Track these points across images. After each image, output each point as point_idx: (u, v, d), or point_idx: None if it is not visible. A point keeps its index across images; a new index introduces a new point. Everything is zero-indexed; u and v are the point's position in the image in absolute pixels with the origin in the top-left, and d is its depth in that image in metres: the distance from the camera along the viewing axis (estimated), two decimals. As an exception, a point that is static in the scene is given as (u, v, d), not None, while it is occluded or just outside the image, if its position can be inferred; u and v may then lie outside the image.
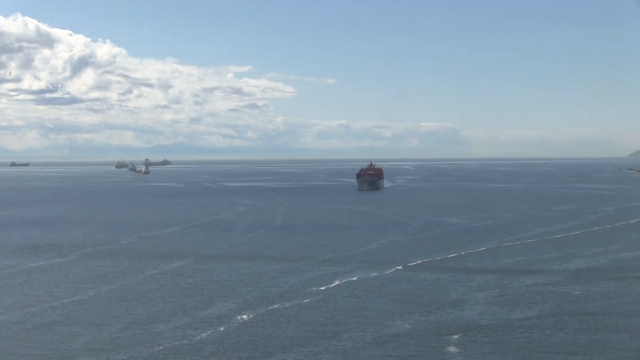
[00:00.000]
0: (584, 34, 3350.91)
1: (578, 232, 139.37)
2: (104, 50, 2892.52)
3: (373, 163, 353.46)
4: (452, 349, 58.90)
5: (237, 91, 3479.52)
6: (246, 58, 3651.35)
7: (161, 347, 59.89)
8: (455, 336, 62.34)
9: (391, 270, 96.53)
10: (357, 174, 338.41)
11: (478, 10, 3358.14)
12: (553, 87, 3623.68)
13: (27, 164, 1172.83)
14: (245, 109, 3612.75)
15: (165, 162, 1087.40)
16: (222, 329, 65.73)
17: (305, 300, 77.49)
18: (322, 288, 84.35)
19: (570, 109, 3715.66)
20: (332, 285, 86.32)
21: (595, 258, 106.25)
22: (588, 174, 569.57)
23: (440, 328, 65.26)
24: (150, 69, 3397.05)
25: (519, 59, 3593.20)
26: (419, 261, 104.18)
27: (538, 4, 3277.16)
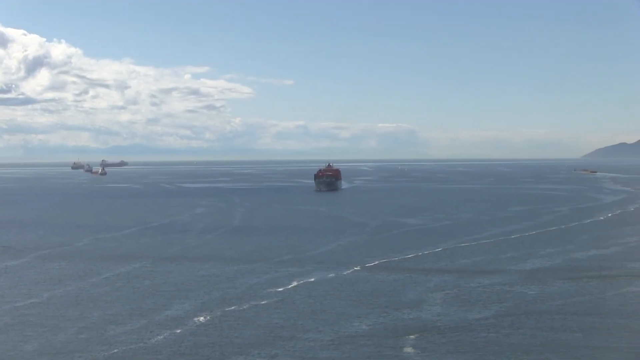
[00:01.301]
0: (538, 35, 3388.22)
1: (534, 233, 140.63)
2: (59, 50, 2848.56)
3: (331, 164, 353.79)
4: (409, 349, 58.91)
5: (195, 92, 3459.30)
6: (204, 59, 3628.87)
7: (116, 350, 59.10)
8: (412, 337, 62.38)
9: (349, 271, 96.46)
10: (315, 175, 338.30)
11: (434, 11, 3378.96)
12: (509, 89, 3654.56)
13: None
14: (202, 110, 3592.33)
15: (122, 163, 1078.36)
16: (179, 331, 65.06)
17: (263, 302, 77.08)
18: (280, 289, 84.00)
19: (526, 110, 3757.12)
20: (290, 286, 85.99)
21: (550, 258, 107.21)
22: (543, 174, 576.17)
23: (397, 329, 65.27)
24: (107, 69, 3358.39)
25: (475, 60, 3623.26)
26: (377, 262, 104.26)
27: (494, 4, 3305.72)
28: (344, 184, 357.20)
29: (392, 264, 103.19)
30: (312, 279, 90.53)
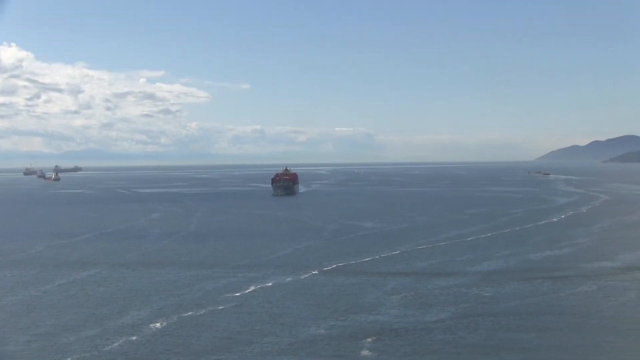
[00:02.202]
0: (492, 40, 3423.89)
1: (489, 235, 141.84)
2: (9, 54, 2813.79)
3: (288, 168, 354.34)
4: (367, 352, 59.04)
5: (150, 96, 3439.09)
6: (159, 63, 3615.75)
7: (69, 359, 58.33)
8: (370, 339, 62.53)
9: (307, 275, 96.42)
10: (272, 179, 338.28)
11: (389, 17, 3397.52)
12: (464, 93, 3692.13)
13: None
14: (158, 115, 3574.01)
15: (76, 169, 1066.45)
16: (134, 338, 64.46)
17: (220, 307, 76.73)
18: (237, 294, 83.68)
19: (481, 114, 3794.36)
20: (247, 291, 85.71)
21: (505, 260, 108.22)
22: (499, 177, 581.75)
23: (355, 332, 65.36)
24: (59, 73, 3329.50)
25: (432, 65, 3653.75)
26: (335, 265, 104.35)
27: (447, 11, 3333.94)
28: (301, 188, 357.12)
29: (349, 267, 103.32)
30: (270, 284, 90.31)
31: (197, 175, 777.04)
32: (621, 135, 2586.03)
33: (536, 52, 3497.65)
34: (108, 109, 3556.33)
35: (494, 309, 74.09)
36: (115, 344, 62.32)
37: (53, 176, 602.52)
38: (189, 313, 74.07)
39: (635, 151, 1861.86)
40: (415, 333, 64.69)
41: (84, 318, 72.61)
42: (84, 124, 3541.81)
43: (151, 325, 69.25)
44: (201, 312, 74.35)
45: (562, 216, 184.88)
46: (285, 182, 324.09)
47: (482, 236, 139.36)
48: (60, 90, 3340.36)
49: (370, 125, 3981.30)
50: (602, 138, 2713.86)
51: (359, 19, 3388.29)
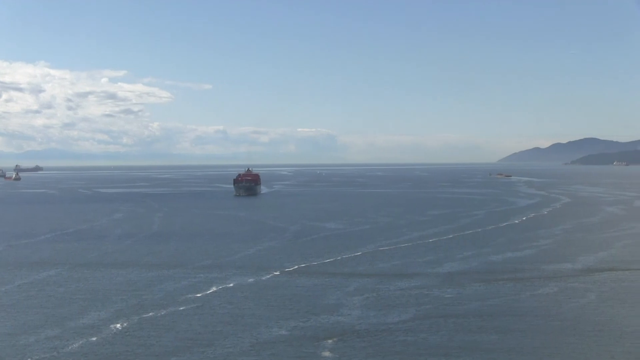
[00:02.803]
0: (454, 41, 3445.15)
1: (451, 236, 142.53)
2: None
3: (250, 169, 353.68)
4: (328, 354, 58.90)
5: (112, 96, 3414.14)
6: (121, 62, 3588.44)
7: (29, 360, 57.55)
8: (332, 341, 62.42)
9: (269, 276, 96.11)
10: (234, 179, 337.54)
11: (351, 16, 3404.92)
12: (427, 94, 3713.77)
13: None
14: (120, 114, 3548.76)
15: (37, 168, 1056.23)
16: (94, 339, 63.70)
17: (182, 308, 76.16)
18: (199, 295, 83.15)
19: (444, 115, 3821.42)
20: (209, 292, 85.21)
21: (467, 261, 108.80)
22: (460, 178, 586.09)
23: (317, 333, 65.21)
24: (20, 72, 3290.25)
25: (393, 66, 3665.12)
26: (297, 266, 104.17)
27: (410, 11, 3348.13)
28: (263, 189, 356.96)
29: (311, 268, 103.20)
30: (231, 284, 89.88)
31: (159, 176, 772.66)
32: (582, 137, 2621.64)
33: (499, 54, 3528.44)
34: (70, 108, 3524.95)
35: (455, 310, 74.36)
36: (75, 345, 61.55)
37: (14, 176, 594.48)
38: (150, 314, 73.43)
39: (596, 154, 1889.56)
40: (377, 334, 64.71)
41: (44, 319, 71.65)
42: (45, 124, 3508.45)
43: (112, 326, 68.50)
44: (162, 313, 73.75)
45: (524, 218, 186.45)
46: (247, 183, 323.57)
47: (444, 238, 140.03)
48: (21, 90, 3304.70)
49: (332, 126, 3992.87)
50: (564, 140, 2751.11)
51: (321, 18, 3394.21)
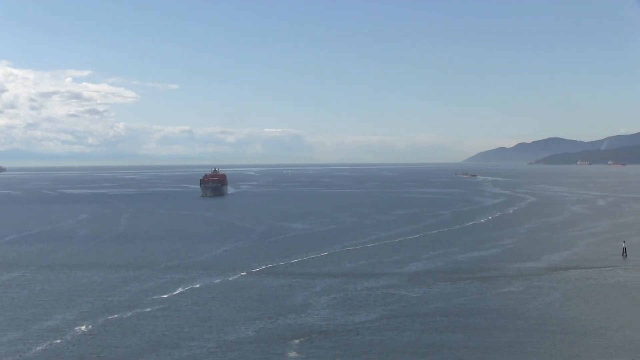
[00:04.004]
0: (421, 42, 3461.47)
1: (417, 236, 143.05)
2: None
3: (217, 169, 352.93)
4: (295, 354, 58.75)
5: (77, 96, 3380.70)
6: (86, 62, 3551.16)
7: (-8, 364, 56.82)
8: (298, 341, 62.26)
9: (235, 277, 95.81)
10: (200, 180, 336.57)
11: (318, 15, 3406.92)
12: (393, 94, 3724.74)
13: None
14: (85, 115, 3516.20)
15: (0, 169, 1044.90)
16: (58, 341, 63.00)
17: (147, 309, 75.62)
18: (165, 296, 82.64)
19: (410, 115, 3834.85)
20: (175, 293, 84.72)
21: (433, 261, 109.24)
22: (426, 178, 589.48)
23: (284, 333, 65.06)
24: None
25: (360, 66, 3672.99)
26: (263, 267, 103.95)
27: (379, 10, 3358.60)
28: (230, 189, 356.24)
29: (278, 268, 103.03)
30: (198, 285, 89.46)
31: (125, 176, 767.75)
32: (546, 137, 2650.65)
33: (464, 55, 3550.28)
34: (33, 108, 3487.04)
35: (422, 310, 74.61)
36: (39, 348, 60.81)
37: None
38: (115, 315, 72.81)
39: (560, 153, 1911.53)
40: (344, 334, 64.70)
41: (7, 322, 70.70)
42: (7, 124, 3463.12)
43: (76, 328, 67.79)
44: (128, 315, 73.16)
45: (489, 217, 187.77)
46: (214, 183, 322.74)
47: (410, 237, 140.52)
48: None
49: (299, 127, 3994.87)
50: (528, 140, 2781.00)
51: (287, 17, 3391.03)
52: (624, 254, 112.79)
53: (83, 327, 67.95)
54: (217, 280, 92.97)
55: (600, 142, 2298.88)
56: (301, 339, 62.93)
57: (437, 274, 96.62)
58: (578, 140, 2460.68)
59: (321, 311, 74.41)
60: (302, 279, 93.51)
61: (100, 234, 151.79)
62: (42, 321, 70.68)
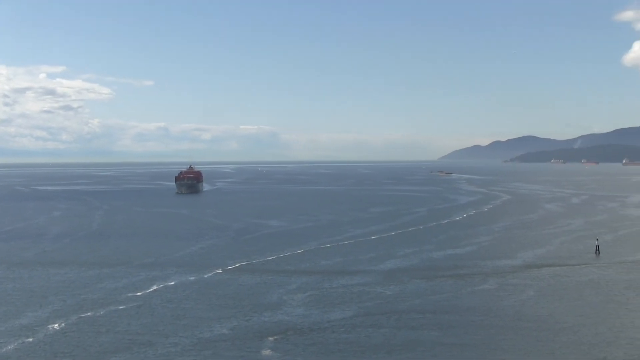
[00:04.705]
0: (394, 39, 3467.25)
1: (393, 233, 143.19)
2: None
3: (192, 166, 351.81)
4: (269, 352, 58.46)
5: (51, 92, 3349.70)
6: (60, 58, 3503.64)
7: (-37, 362, 56.09)
8: (272, 339, 61.99)
9: (210, 274, 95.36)
10: (175, 177, 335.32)
11: (292, 11, 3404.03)
12: (370, 92, 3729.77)
13: None
14: (59, 111, 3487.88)
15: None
16: (30, 340, 62.31)
17: (121, 307, 75.02)
18: (139, 294, 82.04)
19: (385, 113, 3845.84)
20: (149, 290, 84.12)
21: (408, 258, 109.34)
22: (402, 176, 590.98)
23: (259, 331, 64.76)
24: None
25: (336, 64, 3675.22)
26: (239, 264, 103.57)
27: (350, 12, 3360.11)
28: (205, 186, 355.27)
29: (254, 266, 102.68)
30: (173, 283, 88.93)
31: (99, 173, 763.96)
32: (521, 135, 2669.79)
33: (440, 53, 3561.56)
34: (6, 104, 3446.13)
35: (397, 307, 74.58)
36: (10, 347, 60.07)
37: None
38: (89, 313, 72.16)
39: (534, 151, 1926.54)
40: (319, 332, 64.53)
41: (-22, 320, 69.92)
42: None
43: (49, 326, 67.12)
44: (101, 313, 72.55)
45: (465, 215, 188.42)
46: (189, 180, 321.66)
47: (386, 235, 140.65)
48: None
49: (275, 124, 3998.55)
50: (503, 138, 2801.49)
51: (260, 14, 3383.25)
52: (597, 251, 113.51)
53: (56, 325, 67.30)
54: (192, 278, 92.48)
55: (574, 140, 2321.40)
56: (276, 337, 62.69)
57: (413, 272, 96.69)
58: (552, 138, 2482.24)
59: (296, 309, 74.19)
60: (278, 277, 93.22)
61: (74, 231, 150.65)
62: (14, 319, 69.89)
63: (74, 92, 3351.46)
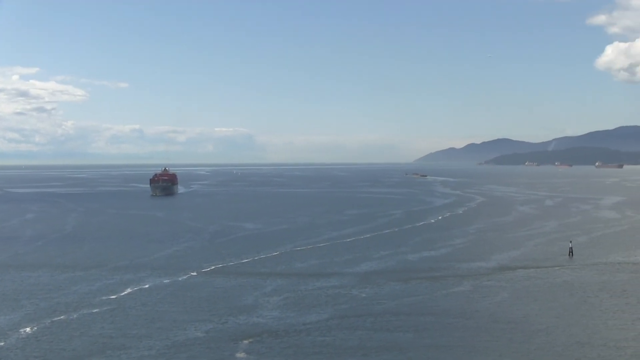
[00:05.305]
0: (370, 41, 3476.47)
1: (369, 236, 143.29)
2: None
3: (167, 168, 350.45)
4: (244, 355, 58.23)
5: (24, 94, 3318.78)
6: (33, 59, 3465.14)
7: None
8: (247, 342, 61.75)
9: (185, 277, 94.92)
10: (150, 179, 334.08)
11: (271, 18, 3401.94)
12: (343, 94, 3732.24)
13: None
14: (32, 113, 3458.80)
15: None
16: (2, 344, 61.56)
17: (95, 310, 74.44)
18: (113, 297, 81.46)
19: (360, 115, 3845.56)
20: (123, 293, 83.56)
21: (384, 260, 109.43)
22: (378, 178, 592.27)
23: (234, 334, 64.50)
24: None
25: (312, 67, 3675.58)
26: (214, 267, 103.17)
27: (326, 14, 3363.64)
28: (180, 189, 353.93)
29: (229, 268, 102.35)
30: (147, 286, 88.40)
31: (73, 175, 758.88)
32: (495, 138, 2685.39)
33: (415, 55, 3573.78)
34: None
35: (373, 310, 74.58)
36: (-18, 351, 59.47)
37: None
38: (62, 317, 71.50)
39: (508, 154, 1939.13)
40: (295, 334, 64.36)
41: (-51, 324, 69.10)
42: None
43: (21, 330, 66.39)
44: (74, 316, 71.92)
45: (440, 217, 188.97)
46: (164, 183, 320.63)
47: (362, 237, 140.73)
48: None
49: (250, 126, 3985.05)
50: (478, 141, 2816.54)
51: (236, 19, 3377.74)
52: (571, 253, 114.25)
53: (28, 329, 66.62)
54: (166, 281, 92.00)
55: (548, 143, 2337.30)
56: (251, 340, 62.47)
57: (388, 274, 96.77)
58: (526, 141, 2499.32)
59: (272, 311, 73.99)
60: (253, 279, 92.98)
61: (47, 234, 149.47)
62: (-14, 323, 69.15)
63: (48, 93, 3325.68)
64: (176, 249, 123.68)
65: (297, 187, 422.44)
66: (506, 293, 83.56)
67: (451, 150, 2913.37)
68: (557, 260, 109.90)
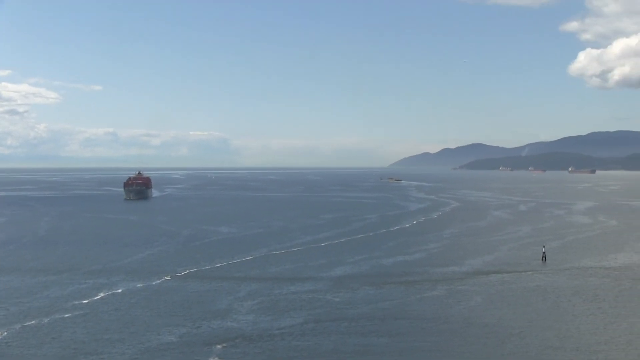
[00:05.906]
0: (347, 45, 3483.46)
1: (343, 240, 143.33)
2: None
3: (141, 172, 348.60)
4: (216, 359, 57.97)
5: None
6: (5, 61, 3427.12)
7: None
8: (221, 346, 61.47)
9: (159, 281, 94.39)
10: (124, 183, 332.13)
11: (246, 20, 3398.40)
12: (320, 99, 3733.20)
13: None
14: (4, 115, 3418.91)
15: None
16: (-27, 349, 60.97)
17: (67, 315, 73.76)
18: (85, 301, 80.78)
19: (335, 119, 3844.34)
20: (96, 298, 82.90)
21: (358, 265, 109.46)
22: (352, 182, 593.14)
23: (208, 339, 64.17)
24: None
25: (288, 71, 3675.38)
26: (188, 271, 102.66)
27: (301, 18, 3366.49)
28: (154, 192, 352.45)
29: (203, 273, 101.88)
30: (120, 290, 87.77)
31: (46, 178, 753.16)
32: (470, 143, 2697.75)
33: (390, 60, 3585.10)
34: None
35: (347, 314, 74.53)
36: (-48, 356, 58.76)
37: None
38: (33, 322, 70.75)
39: (482, 159, 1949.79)
40: (268, 339, 64.14)
41: None
42: None
43: (-9, 335, 65.73)
44: (46, 321, 71.19)
45: (414, 222, 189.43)
46: (138, 186, 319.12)
47: (336, 241, 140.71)
48: None
49: (225, 130, 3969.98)
50: (452, 146, 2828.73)
51: (211, 21, 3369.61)
52: (544, 258, 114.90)
53: (-1, 334, 65.93)
54: (140, 285, 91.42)
55: (522, 148, 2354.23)
56: (225, 344, 62.18)
57: (363, 278, 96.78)
58: (501, 146, 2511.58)
59: (246, 316, 73.73)
60: (227, 283, 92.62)
61: (19, 238, 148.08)
62: (-44, 328, 68.35)
63: (20, 96, 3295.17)
64: (150, 253, 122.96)
65: (272, 191, 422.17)
66: (480, 297, 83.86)
67: (426, 155, 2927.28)
68: (530, 265, 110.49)
